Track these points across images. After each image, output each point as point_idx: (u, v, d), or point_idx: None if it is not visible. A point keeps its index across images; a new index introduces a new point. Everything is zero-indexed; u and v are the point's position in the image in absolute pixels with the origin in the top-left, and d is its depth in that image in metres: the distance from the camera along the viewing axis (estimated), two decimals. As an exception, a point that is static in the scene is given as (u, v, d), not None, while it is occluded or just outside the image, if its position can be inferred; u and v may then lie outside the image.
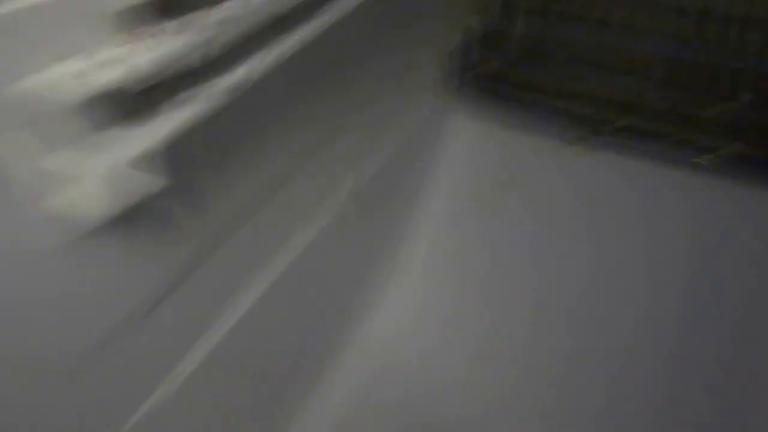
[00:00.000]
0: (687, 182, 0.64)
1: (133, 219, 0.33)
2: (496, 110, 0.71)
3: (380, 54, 0.53)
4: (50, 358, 0.33)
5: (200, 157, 0.37)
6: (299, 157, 0.46)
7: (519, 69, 0.73)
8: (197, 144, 0.36)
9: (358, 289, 0.62)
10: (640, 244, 0.65)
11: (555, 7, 0.70)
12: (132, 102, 0.31)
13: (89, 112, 0.30)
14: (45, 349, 0.33)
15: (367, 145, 0.55)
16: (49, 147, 0.29)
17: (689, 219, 0.64)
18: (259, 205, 0.44)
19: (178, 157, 0.34)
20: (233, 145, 0.40)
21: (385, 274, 0.65)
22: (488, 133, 0.70)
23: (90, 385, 0.35)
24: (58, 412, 0.34)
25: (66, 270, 0.32)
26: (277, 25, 0.39)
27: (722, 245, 0.63)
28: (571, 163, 0.67)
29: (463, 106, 0.72)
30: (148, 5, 0.32)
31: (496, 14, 0.68)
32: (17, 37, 0.27)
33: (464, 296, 0.68)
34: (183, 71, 0.33)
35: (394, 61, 0.55)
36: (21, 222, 0.30)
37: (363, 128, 0.53)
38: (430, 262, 0.68)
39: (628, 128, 0.67)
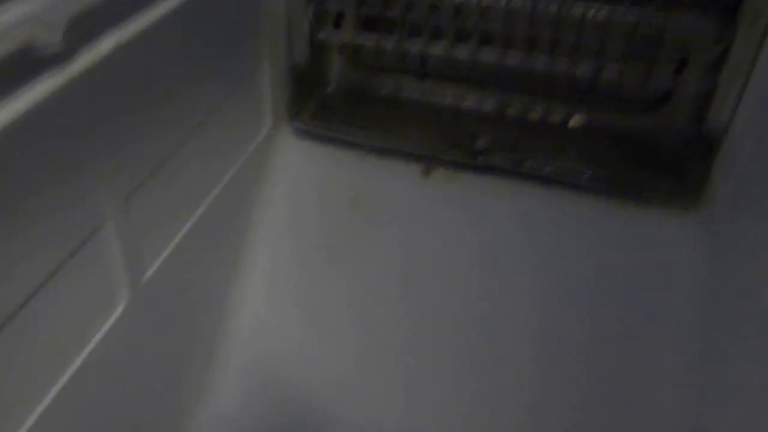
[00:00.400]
0: (555, 201, 0.63)
1: None
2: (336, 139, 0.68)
3: (203, 81, 0.51)
4: None
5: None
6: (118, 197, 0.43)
7: (343, 105, 0.71)
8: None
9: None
10: (496, 267, 0.62)
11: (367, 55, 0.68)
12: None
13: None
14: None
15: (201, 175, 0.53)
16: None
17: (558, 239, 0.63)
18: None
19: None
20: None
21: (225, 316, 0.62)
22: (332, 157, 0.67)
23: None
24: None
25: None
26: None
27: (599, 264, 0.61)
28: (427, 188, 0.65)
29: (301, 136, 0.68)
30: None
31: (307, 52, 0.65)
32: None
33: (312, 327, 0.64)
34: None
35: (220, 90, 0.53)
36: None
37: (193, 159, 0.51)
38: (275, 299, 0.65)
39: (481, 152, 0.65)
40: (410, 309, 0.62)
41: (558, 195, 0.64)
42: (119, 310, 0.44)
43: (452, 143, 0.66)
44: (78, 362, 0.40)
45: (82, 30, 0.35)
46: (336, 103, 0.72)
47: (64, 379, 0.39)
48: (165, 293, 0.49)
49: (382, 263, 0.63)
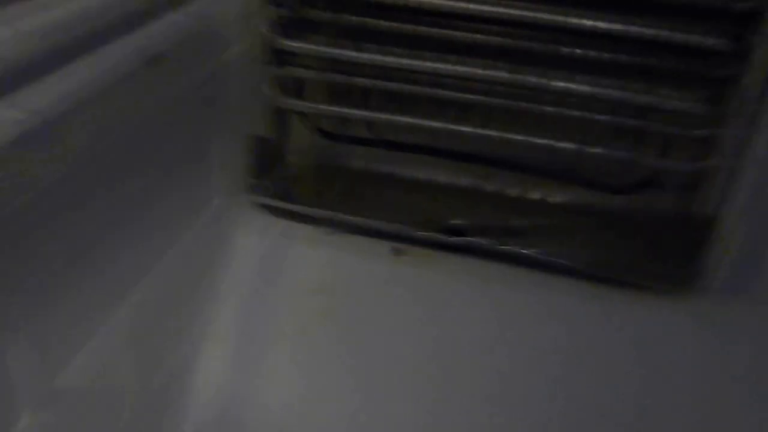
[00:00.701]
0: (535, 286, 0.58)
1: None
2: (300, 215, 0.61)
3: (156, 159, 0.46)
4: None
5: None
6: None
7: (307, 177, 0.66)
8: None
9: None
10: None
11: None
12: None
13: None
14: None
15: (132, 258, 0.47)
16: None
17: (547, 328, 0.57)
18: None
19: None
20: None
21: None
22: (295, 235, 0.60)
23: None
24: None
25: None
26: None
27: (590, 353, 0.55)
28: (398, 271, 0.59)
29: (259, 211, 0.61)
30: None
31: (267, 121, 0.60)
32: None
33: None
34: None
35: (174, 164, 0.48)
36: None
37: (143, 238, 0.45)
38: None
39: (457, 231, 0.60)
40: (371, 406, 0.55)
41: (539, 280, 0.58)
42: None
43: (426, 221, 0.61)
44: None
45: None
46: (300, 175, 0.66)
47: None
48: (82, 401, 0.41)
49: (346, 355, 0.56)
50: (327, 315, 0.57)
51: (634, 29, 0.51)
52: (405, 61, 0.53)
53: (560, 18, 0.51)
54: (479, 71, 0.53)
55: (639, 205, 0.63)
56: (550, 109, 0.54)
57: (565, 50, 0.52)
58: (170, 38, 0.40)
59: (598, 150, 0.54)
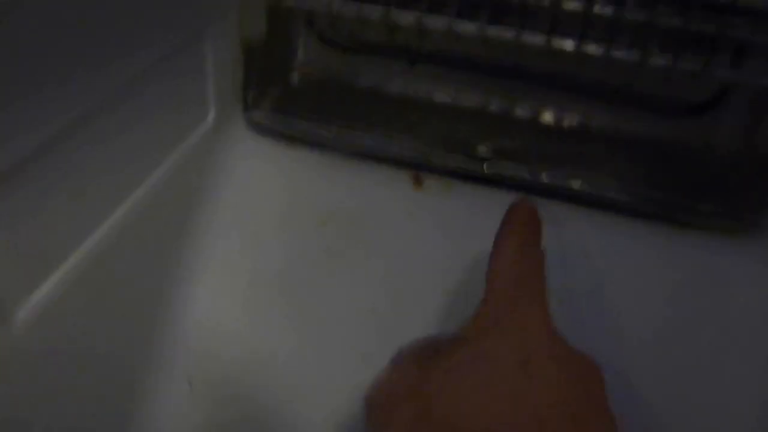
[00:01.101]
0: (577, 222, 0.50)
1: None
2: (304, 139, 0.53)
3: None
4: None
5: None
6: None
7: (313, 95, 0.56)
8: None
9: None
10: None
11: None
12: None
13: None
14: None
15: (114, 166, 0.38)
16: None
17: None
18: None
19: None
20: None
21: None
22: (298, 161, 0.52)
23: None
24: None
25: None
26: None
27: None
28: (419, 201, 0.50)
29: (257, 132, 0.53)
30: None
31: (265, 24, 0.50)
32: None
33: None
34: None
35: (147, 54, 0.38)
36: None
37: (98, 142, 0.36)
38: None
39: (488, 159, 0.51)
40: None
41: (581, 215, 0.51)
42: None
43: (449, 147, 0.52)
44: None
45: None
46: (304, 93, 0.57)
47: None
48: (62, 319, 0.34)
49: (361, 295, 0.48)
50: (334, 250, 0.49)
51: None
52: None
53: None
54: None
55: (697, 131, 0.54)
56: (606, 10, 0.45)
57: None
58: None
59: (663, 61, 0.45)
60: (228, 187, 0.50)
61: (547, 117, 0.57)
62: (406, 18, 0.47)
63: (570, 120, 0.57)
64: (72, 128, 0.32)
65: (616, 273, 0.49)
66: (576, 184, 0.49)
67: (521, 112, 0.57)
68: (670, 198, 0.50)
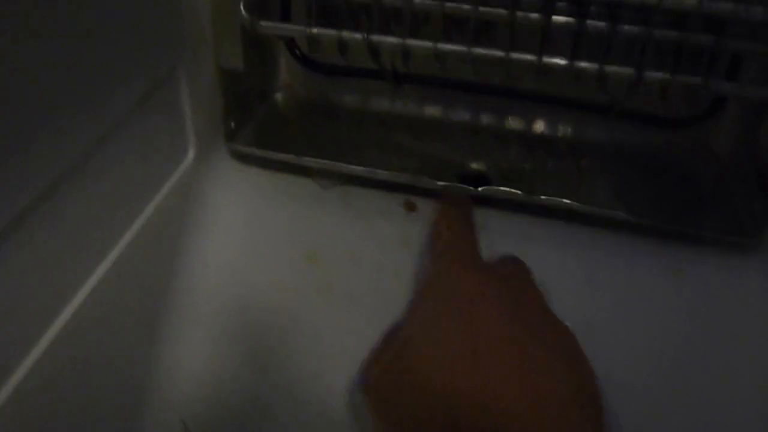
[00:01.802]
0: (575, 241, 0.49)
1: None
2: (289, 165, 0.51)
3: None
4: None
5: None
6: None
7: (296, 118, 0.55)
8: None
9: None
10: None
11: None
12: None
13: None
14: None
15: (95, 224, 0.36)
16: None
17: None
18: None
19: None
20: None
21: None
22: (283, 189, 0.51)
23: None
24: None
25: None
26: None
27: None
28: (413, 226, 0.49)
29: (240, 161, 0.51)
30: None
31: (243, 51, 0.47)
32: None
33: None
34: None
35: (119, 105, 0.36)
36: None
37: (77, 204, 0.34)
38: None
39: (480, 178, 0.50)
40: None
41: (580, 233, 0.49)
42: None
43: (442, 167, 0.51)
44: None
45: None
46: (288, 116, 0.55)
47: None
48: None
49: (354, 331, 0.46)
50: (324, 286, 0.47)
51: None
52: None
53: None
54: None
55: (694, 141, 0.53)
56: (598, 24, 0.43)
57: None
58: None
59: (659, 75, 0.43)
60: (213, 224, 0.48)
61: (540, 131, 0.55)
62: (388, 41, 0.45)
63: (563, 133, 0.55)
64: (45, 192, 0.30)
65: (619, 292, 0.47)
66: (573, 202, 0.48)
67: (513, 126, 0.55)
68: (671, 212, 0.49)
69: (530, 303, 0.38)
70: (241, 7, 0.44)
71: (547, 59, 0.44)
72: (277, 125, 0.53)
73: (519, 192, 0.47)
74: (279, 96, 0.56)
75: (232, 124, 0.50)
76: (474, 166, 0.52)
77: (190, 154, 0.46)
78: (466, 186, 0.48)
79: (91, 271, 0.36)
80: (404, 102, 0.56)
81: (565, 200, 0.47)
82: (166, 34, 0.40)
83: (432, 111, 0.56)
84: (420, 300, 0.39)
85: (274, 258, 0.48)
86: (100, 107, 0.33)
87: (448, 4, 0.44)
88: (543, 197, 0.48)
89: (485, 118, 0.55)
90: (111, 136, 0.35)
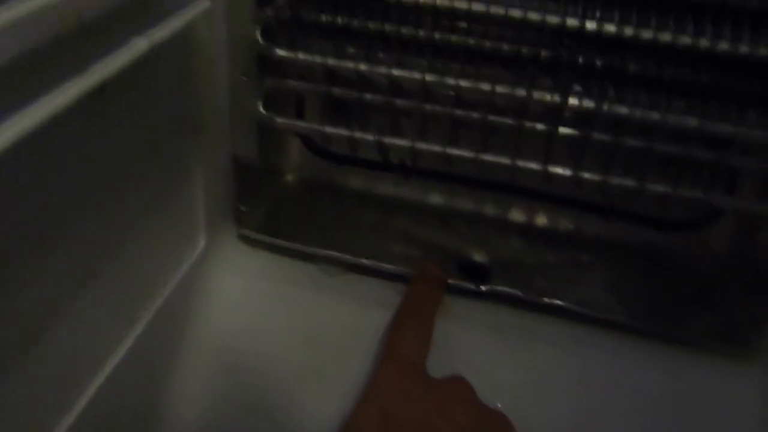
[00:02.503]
0: (570, 338, 0.50)
1: None
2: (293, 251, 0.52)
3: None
4: None
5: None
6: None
7: (303, 203, 0.56)
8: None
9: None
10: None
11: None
12: None
13: None
14: None
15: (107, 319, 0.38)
16: None
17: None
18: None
19: None
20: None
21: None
22: (288, 275, 0.52)
23: None
24: None
25: None
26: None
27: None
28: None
29: (249, 245, 0.52)
30: None
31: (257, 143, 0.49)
32: None
33: None
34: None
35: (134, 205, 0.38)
36: None
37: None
38: None
39: (482, 271, 0.52)
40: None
41: (575, 330, 0.50)
42: None
43: (443, 257, 0.52)
44: None
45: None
46: (294, 198, 0.56)
47: None
48: None
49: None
50: (321, 374, 0.48)
51: (705, 43, 0.41)
52: (423, 77, 0.43)
53: (619, 30, 0.41)
54: (514, 90, 0.43)
55: (691, 244, 0.54)
56: (602, 137, 0.44)
57: (632, 66, 0.43)
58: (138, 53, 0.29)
59: (660, 188, 0.45)
60: (218, 303, 0.49)
61: (541, 224, 0.57)
62: (399, 143, 0.46)
63: (564, 227, 0.56)
64: (67, 291, 0.31)
65: (612, 392, 0.48)
66: (571, 302, 0.49)
67: (515, 218, 0.57)
68: (668, 315, 0.50)
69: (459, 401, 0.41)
70: (260, 106, 0.46)
71: (552, 168, 0.45)
72: (285, 208, 0.55)
73: (519, 292, 0.48)
74: (287, 177, 0.57)
75: (243, 208, 0.51)
76: (476, 257, 0.53)
77: (201, 242, 0.47)
78: (467, 283, 0.49)
79: (105, 360, 0.37)
80: (408, 188, 0.57)
81: (564, 303, 0.48)
82: (186, 129, 0.42)
83: (435, 199, 0.57)
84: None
85: (273, 340, 0.49)
86: (119, 209, 0.34)
87: (458, 111, 0.45)
88: (545, 299, 0.49)
89: (488, 209, 0.57)
90: (127, 233, 0.36)
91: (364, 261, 0.50)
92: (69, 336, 0.32)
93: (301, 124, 0.47)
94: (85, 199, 0.31)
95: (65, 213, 0.30)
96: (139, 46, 0.27)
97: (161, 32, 0.28)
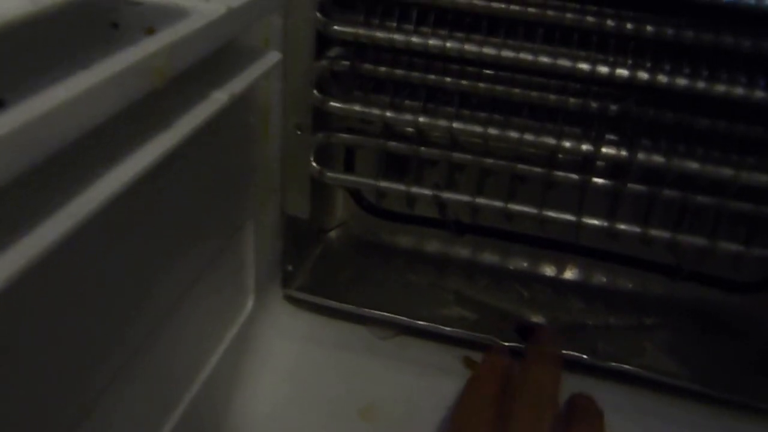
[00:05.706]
0: (630, 404, 0.46)
1: None
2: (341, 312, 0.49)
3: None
4: None
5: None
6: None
7: (350, 260, 0.54)
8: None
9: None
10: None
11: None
12: None
13: None
14: None
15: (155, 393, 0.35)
16: None
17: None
18: None
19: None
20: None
21: None
22: (337, 339, 0.49)
23: None
24: None
25: None
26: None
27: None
28: None
29: (295, 306, 0.50)
30: None
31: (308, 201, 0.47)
32: None
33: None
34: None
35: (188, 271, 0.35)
36: None
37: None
38: None
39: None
40: None
41: (639, 396, 0.47)
42: None
43: (500, 323, 0.49)
44: None
45: None
46: (341, 256, 0.54)
47: None
48: None
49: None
50: None
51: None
52: (486, 130, 0.42)
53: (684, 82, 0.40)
54: (580, 145, 0.42)
55: (753, 306, 0.51)
56: (672, 193, 0.43)
57: (703, 121, 0.41)
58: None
59: (733, 247, 0.42)
60: (266, 370, 0.46)
61: (599, 283, 0.54)
62: (458, 198, 0.44)
63: (623, 287, 0.54)
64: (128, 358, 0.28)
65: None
66: (638, 369, 0.46)
67: (571, 277, 0.54)
68: (734, 380, 0.47)
69: None
70: (312, 160, 0.44)
71: (618, 225, 0.43)
72: (332, 266, 0.53)
73: (585, 356, 0.46)
74: (334, 234, 0.55)
75: (290, 267, 0.49)
76: (533, 318, 0.51)
77: (250, 303, 0.45)
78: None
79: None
80: (459, 246, 0.55)
81: (630, 367, 0.45)
82: (240, 185, 0.40)
83: (488, 257, 0.55)
84: None
85: (326, 411, 0.45)
86: (175, 277, 0.33)
87: (520, 166, 0.43)
88: (599, 360, 0.46)
89: (543, 268, 0.54)
90: (180, 300, 0.34)
91: (419, 323, 0.47)
92: (132, 393, 0.30)
93: (357, 180, 0.45)
94: (151, 258, 0.29)
95: (130, 278, 0.28)
96: (219, 99, 0.25)
97: (239, 84, 0.27)
